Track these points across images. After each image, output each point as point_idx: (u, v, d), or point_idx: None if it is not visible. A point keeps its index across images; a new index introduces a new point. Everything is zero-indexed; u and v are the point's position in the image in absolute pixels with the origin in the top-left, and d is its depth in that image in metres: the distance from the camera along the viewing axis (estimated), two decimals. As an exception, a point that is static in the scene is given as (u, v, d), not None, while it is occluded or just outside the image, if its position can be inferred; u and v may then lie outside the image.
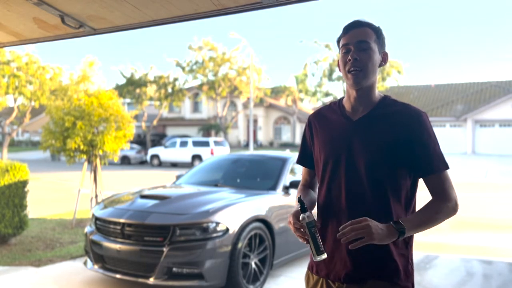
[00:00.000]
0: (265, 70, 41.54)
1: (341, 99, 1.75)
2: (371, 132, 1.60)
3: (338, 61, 1.71)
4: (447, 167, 1.59)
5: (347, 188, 1.61)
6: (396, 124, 1.59)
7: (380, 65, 1.64)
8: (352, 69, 1.58)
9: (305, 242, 1.53)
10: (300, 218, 1.51)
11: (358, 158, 1.59)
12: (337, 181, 1.63)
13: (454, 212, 1.58)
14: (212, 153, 22.03)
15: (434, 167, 1.57)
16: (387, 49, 1.68)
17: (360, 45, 1.58)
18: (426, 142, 1.57)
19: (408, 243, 1.61)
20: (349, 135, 1.63)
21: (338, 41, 1.67)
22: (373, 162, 1.57)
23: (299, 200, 1.55)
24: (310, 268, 1.72)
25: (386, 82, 30.65)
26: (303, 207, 1.53)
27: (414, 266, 1.68)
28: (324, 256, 1.49)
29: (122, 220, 4.07)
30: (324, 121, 1.74)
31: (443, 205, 1.56)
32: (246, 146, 33.84)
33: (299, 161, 1.87)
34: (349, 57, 1.58)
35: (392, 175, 1.57)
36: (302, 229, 1.52)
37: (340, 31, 1.67)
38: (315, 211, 1.74)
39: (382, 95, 1.68)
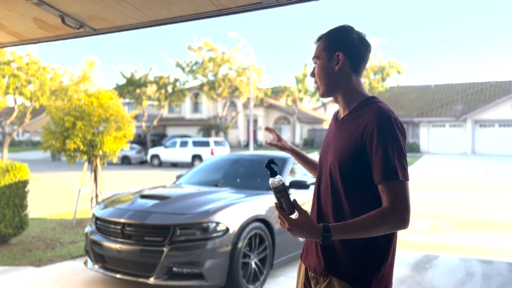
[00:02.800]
0: (265, 70, 41.57)
1: None
2: (340, 135, 1.64)
3: None
4: (397, 178, 1.47)
5: (320, 190, 1.68)
6: (359, 128, 1.54)
7: (339, 69, 1.61)
8: (315, 85, 1.71)
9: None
10: (270, 182, 1.51)
11: (328, 163, 1.65)
12: (318, 182, 1.71)
13: (401, 225, 1.47)
14: (212, 153, 22.01)
15: (384, 175, 1.48)
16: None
17: (313, 62, 1.69)
18: (383, 148, 1.47)
19: (385, 247, 1.55)
20: (331, 138, 1.70)
21: None
22: (331, 166, 1.61)
23: (268, 165, 1.53)
24: (300, 256, 1.81)
25: (386, 82, 30.66)
26: (272, 171, 1.52)
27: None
28: (294, 215, 1.49)
29: (122, 220, 4.07)
30: (330, 122, 1.83)
31: (382, 215, 1.46)
32: (246, 146, 33.83)
33: None
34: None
35: (349, 180, 1.55)
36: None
37: None
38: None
39: (367, 97, 1.64)
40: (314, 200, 1.72)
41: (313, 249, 1.65)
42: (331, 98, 1.77)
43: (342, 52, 1.60)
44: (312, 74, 1.70)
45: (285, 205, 1.50)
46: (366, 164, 1.51)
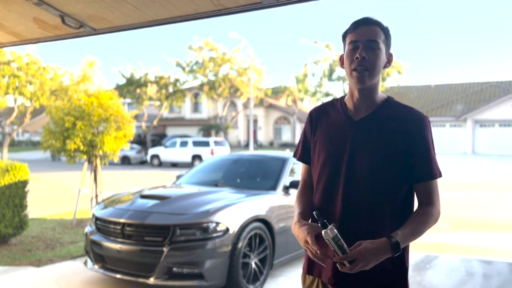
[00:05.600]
0: (265, 70, 41.48)
1: (343, 97, 1.70)
2: (374, 135, 1.56)
3: (341, 56, 1.64)
4: (441, 175, 1.59)
5: (344, 193, 1.56)
6: (399, 129, 1.55)
7: (385, 67, 1.60)
8: (358, 67, 1.53)
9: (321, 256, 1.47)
10: (323, 235, 1.41)
11: (359, 163, 1.55)
12: (335, 185, 1.58)
13: (437, 220, 1.58)
14: (212, 153, 22.03)
15: (431, 174, 1.56)
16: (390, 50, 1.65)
17: (369, 44, 1.54)
18: (427, 148, 1.56)
19: (404, 249, 1.56)
20: (350, 135, 1.58)
21: (344, 36, 1.61)
22: (375, 168, 1.53)
23: (318, 216, 1.44)
24: (305, 269, 1.70)
25: (386, 82, 30.64)
26: (324, 223, 1.42)
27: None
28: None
29: (122, 220, 4.07)
30: (325, 117, 1.68)
31: (430, 214, 1.54)
32: (246, 146, 33.83)
33: (300, 158, 1.77)
34: (357, 55, 1.53)
35: (391, 184, 1.54)
36: (319, 250, 1.45)
37: (345, 28, 1.62)
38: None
39: (385, 96, 1.65)
40: (333, 199, 1.59)
41: (333, 264, 1.53)
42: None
43: (392, 54, 1.64)
44: (364, 54, 1.53)
45: (346, 246, 1.41)
46: (406, 166, 1.55)
